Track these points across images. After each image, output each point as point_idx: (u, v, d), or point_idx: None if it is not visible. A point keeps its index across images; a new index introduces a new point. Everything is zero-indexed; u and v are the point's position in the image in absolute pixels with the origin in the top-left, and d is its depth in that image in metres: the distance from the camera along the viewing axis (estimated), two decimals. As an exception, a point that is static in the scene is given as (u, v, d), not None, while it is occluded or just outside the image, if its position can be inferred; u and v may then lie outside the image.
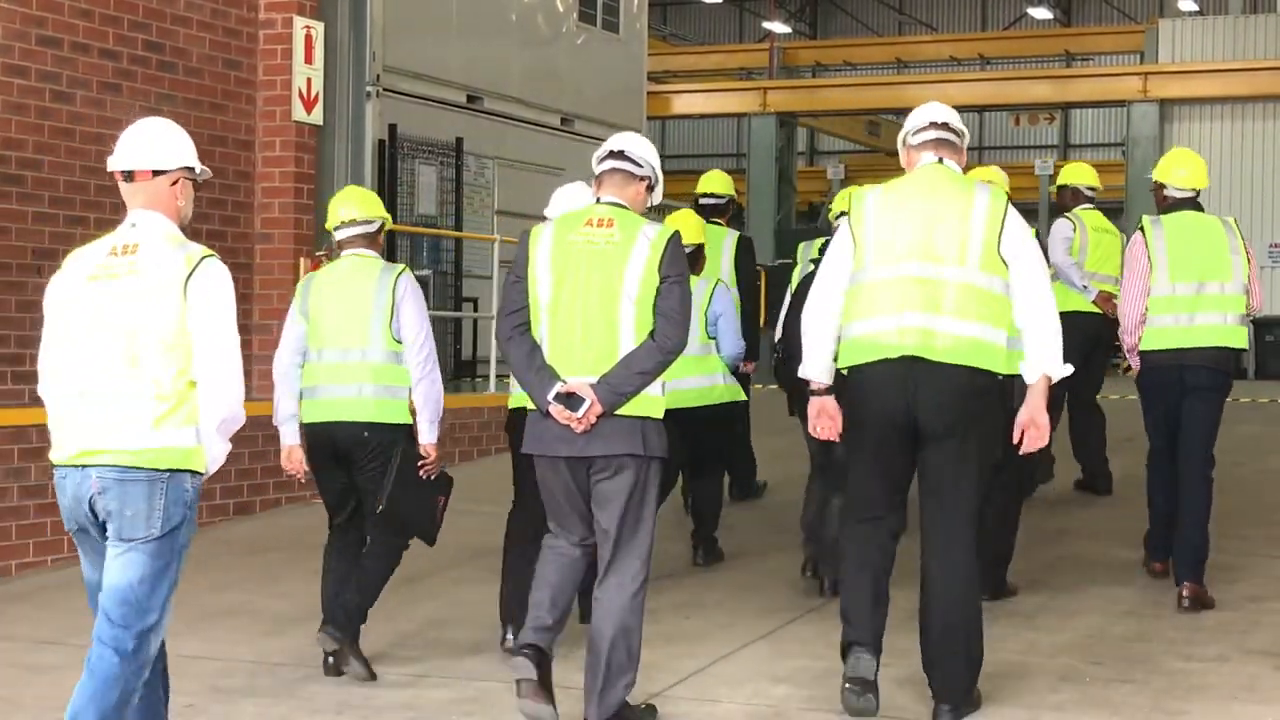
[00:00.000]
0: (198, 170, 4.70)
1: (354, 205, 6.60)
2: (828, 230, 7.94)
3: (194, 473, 4.44)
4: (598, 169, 5.60)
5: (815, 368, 5.61)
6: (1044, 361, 5.43)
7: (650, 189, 5.65)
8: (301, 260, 10.81)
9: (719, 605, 7.10)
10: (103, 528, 4.42)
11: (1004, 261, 5.42)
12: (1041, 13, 41.68)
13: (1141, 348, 7.39)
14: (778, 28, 40.55)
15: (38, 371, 4.74)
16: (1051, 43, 37.76)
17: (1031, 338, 5.46)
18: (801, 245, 8.91)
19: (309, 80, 10.94)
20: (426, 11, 15.70)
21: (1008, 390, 5.72)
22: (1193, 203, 7.50)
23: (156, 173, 4.65)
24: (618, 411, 5.30)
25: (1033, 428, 5.43)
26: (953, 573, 5.46)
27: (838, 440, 5.72)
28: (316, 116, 11.03)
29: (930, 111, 5.69)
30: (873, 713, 5.45)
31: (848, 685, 5.46)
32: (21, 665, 6.46)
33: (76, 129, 9.61)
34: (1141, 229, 7.41)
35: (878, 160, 37.65)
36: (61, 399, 4.59)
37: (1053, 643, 6.35)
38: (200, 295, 4.54)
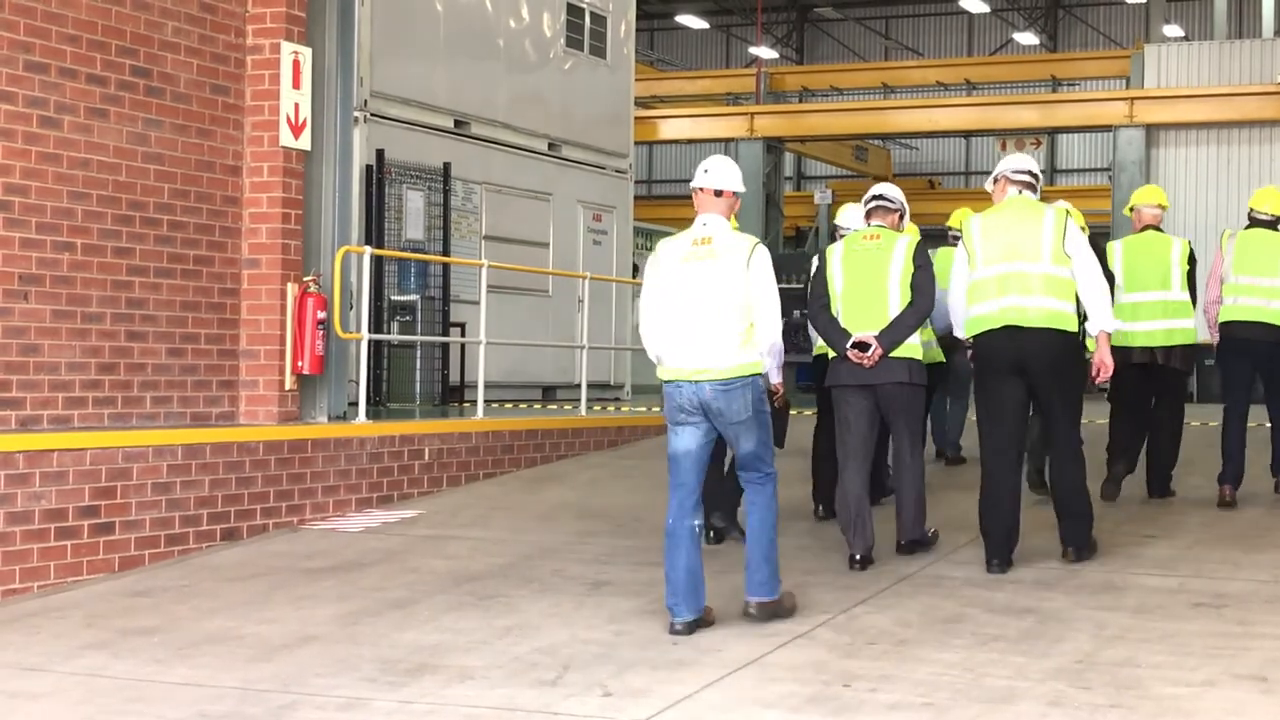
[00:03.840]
0: (741, 193, 7.35)
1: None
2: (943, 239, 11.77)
3: (760, 375, 7.11)
4: (866, 208, 8.88)
5: (962, 331, 8.41)
6: (1101, 321, 8.13)
7: (901, 217, 8.89)
8: (289, 285, 10.80)
9: (707, 631, 7.09)
10: (705, 416, 7.06)
11: (1067, 255, 8.04)
12: (1028, 38, 41.88)
13: (1219, 321, 10.38)
14: (765, 53, 40.72)
15: (641, 319, 7.26)
16: (1037, 68, 37.93)
17: (1090, 306, 8.12)
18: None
19: (297, 105, 10.94)
20: (414, 37, 15.75)
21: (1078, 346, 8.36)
22: (1269, 224, 10.43)
23: (721, 193, 7.26)
24: (892, 354, 8.37)
25: (1103, 368, 8.21)
26: (1069, 462, 8.20)
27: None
28: (304, 141, 11.03)
29: (1026, 161, 8.38)
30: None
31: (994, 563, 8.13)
32: (7, 692, 6.43)
33: (64, 154, 9.60)
34: (1223, 238, 10.53)
35: (864, 185, 37.66)
36: (669, 339, 7.12)
37: (1041, 668, 6.35)
38: (756, 271, 7.08)
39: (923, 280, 8.48)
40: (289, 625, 7.49)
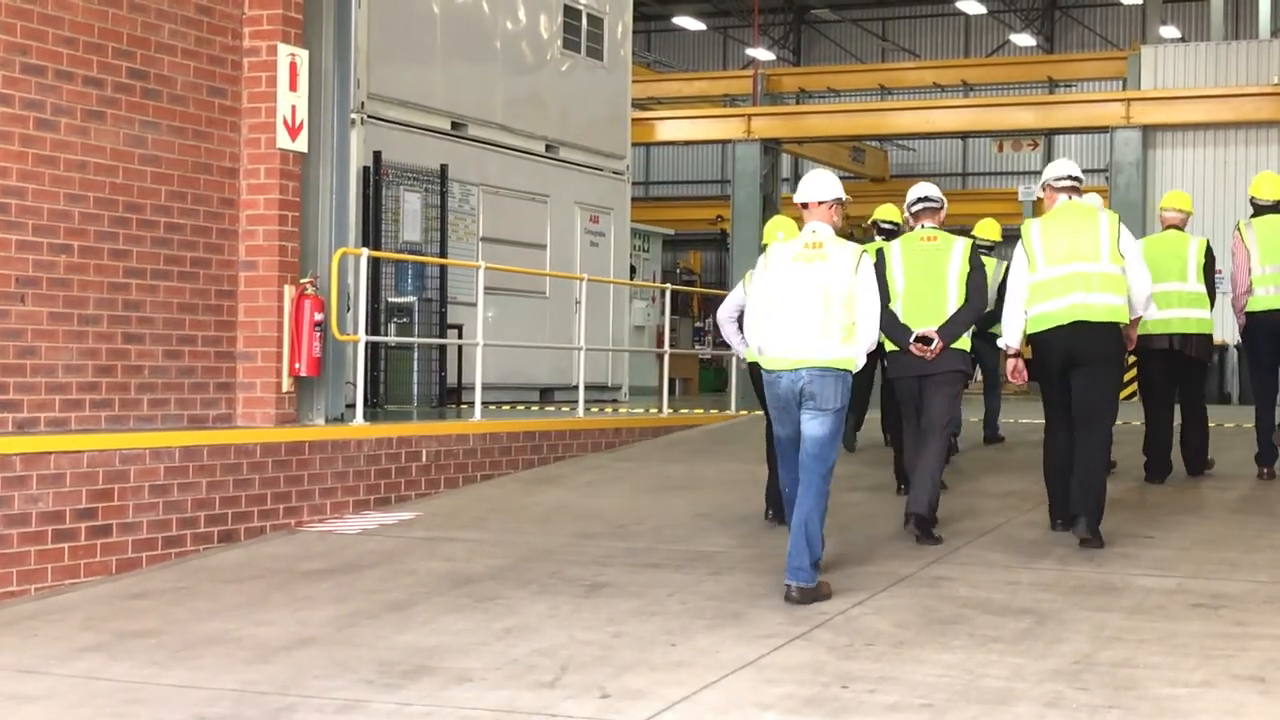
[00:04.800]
0: (843, 199, 8.11)
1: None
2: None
3: (851, 371, 7.75)
4: (912, 210, 9.58)
5: (1012, 338, 9.08)
6: (1140, 308, 9.00)
7: (940, 211, 9.55)
8: (286, 287, 10.79)
9: (706, 631, 7.09)
10: (799, 404, 7.70)
11: (1121, 255, 8.80)
12: (1024, 39, 41.88)
13: (1247, 310, 10.96)
14: (762, 54, 40.72)
15: (748, 312, 8.08)
16: (1034, 69, 37.90)
17: (1137, 297, 8.89)
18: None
19: (293, 107, 10.94)
20: (411, 39, 15.74)
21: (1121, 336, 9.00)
22: (1274, 208, 11.00)
23: (821, 202, 8.04)
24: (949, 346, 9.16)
25: (1128, 340, 9.08)
26: (1094, 449, 8.78)
27: (1025, 382, 9.30)
28: (301, 144, 11.02)
29: (1067, 166, 9.08)
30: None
31: (1071, 531, 8.91)
32: (4, 694, 6.42)
33: (60, 157, 9.60)
34: (1239, 228, 11.08)
35: (861, 187, 37.80)
36: (775, 331, 7.78)
37: (1039, 669, 6.34)
38: (864, 277, 7.79)
39: (977, 281, 9.25)
40: (287, 627, 7.49)
